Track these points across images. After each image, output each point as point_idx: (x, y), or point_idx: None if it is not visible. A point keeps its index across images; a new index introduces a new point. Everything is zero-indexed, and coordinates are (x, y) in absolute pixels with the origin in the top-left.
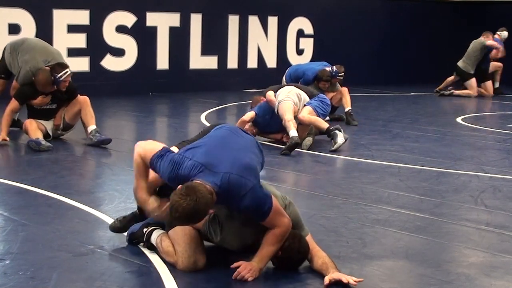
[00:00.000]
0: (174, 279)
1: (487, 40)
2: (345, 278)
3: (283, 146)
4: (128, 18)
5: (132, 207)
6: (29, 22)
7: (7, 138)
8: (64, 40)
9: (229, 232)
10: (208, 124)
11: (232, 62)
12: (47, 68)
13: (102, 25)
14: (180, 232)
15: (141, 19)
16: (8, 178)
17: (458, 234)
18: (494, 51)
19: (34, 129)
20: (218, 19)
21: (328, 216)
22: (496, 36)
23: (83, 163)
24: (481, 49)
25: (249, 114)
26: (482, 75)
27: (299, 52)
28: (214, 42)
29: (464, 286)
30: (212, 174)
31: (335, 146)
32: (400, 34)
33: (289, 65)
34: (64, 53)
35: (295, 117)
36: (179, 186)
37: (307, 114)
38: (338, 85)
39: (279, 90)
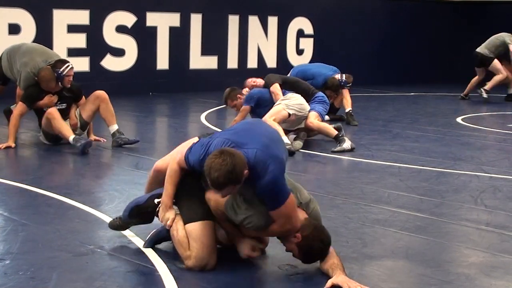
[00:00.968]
0: (175, 279)
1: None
2: (347, 286)
3: None
4: (128, 18)
5: None
6: (29, 22)
7: (13, 145)
8: (64, 40)
9: (256, 211)
10: (208, 124)
11: (232, 62)
12: (48, 66)
13: (102, 25)
14: (199, 230)
15: (141, 19)
16: (8, 178)
17: (458, 234)
18: None
19: (67, 128)
20: (218, 19)
21: (328, 216)
22: None
23: (83, 163)
24: (503, 45)
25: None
26: (505, 58)
27: (299, 52)
28: (214, 42)
29: (464, 286)
30: (240, 150)
31: (338, 148)
32: (400, 34)
33: (289, 65)
34: (64, 53)
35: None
36: (213, 152)
37: (314, 119)
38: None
39: (291, 94)
